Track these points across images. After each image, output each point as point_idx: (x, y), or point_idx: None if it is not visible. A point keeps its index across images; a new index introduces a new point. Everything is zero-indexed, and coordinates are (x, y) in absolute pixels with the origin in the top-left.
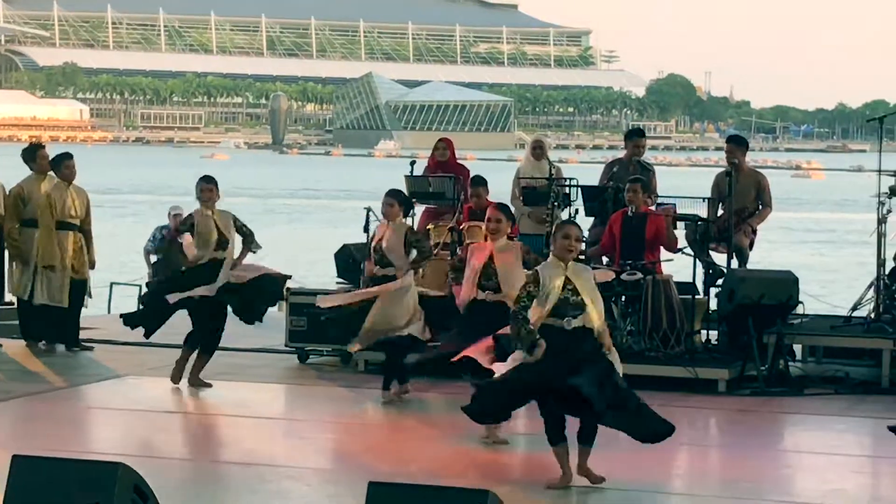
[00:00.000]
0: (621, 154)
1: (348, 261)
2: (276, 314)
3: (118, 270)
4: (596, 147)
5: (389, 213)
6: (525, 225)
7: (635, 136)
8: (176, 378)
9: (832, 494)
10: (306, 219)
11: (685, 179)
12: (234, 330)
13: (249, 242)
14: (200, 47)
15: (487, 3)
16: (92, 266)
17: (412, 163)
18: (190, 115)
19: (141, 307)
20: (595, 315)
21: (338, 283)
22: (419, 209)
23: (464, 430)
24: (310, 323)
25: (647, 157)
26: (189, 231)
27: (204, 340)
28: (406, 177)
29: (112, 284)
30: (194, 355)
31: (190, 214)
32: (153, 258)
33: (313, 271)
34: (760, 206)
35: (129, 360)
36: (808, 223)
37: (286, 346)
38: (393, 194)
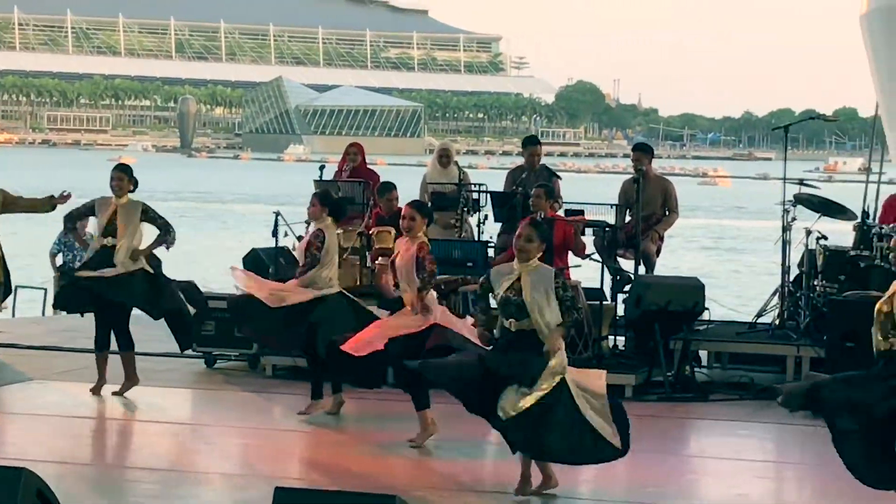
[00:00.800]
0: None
1: (257, 265)
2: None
3: (22, 273)
4: (505, 153)
5: (411, 226)
6: (433, 230)
7: (530, 144)
8: (97, 390)
9: (737, 499)
10: (214, 223)
11: (594, 186)
12: (142, 334)
13: (164, 234)
14: (108, 49)
15: (398, 8)
16: None
17: (321, 167)
18: (97, 117)
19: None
20: (538, 318)
21: None
22: None
23: (372, 436)
24: (217, 327)
25: (556, 163)
26: (86, 215)
27: (118, 340)
28: (315, 181)
29: (17, 288)
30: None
31: (91, 200)
32: (59, 260)
33: (221, 275)
34: (667, 213)
35: (35, 364)
36: (715, 230)
37: (194, 350)
38: (416, 206)
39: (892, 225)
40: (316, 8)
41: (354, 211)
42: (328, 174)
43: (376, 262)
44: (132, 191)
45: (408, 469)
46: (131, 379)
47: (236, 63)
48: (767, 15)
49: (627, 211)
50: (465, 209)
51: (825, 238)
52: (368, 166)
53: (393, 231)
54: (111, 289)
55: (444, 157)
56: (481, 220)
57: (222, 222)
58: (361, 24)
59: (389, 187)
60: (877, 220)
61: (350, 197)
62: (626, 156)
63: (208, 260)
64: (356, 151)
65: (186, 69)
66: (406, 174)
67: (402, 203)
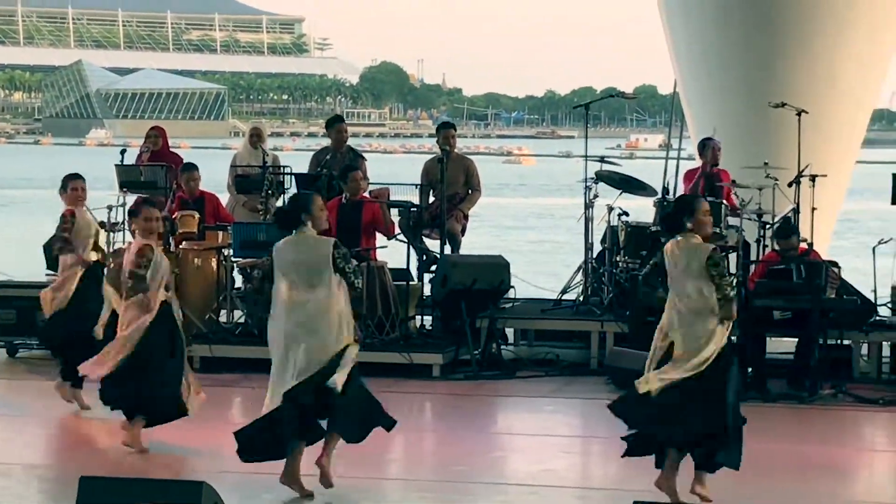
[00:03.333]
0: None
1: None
2: None
3: None
4: (311, 135)
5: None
6: (239, 213)
7: (336, 123)
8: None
9: (543, 475)
10: (13, 209)
11: (400, 166)
12: None
13: None
14: None
15: None
16: None
17: (122, 151)
18: None
19: None
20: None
21: (47, 275)
22: (131, 198)
23: (178, 424)
24: (19, 316)
25: (362, 144)
26: None
27: None
28: (116, 166)
29: None
30: None
31: None
32: None
33: (21, 263)
34: (470, 192)
35: None
36: (520, 208)
37: None
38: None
39: None
40: None
41: (157, 195)
42: (130, 158)
43: (180, 246)
44: None
45: (216, 456)
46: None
47: (35, 47)
48: None
49: (431, 191)
50: (270, 192)
51: (627, 214)
52: (171, 149)
53: (197, 215)
54: None
55: (255, 137)
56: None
57: (21, 209)
58: (162, 6)
59: (190, 167)
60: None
61: (152, 181)
62: (431, 135)
63: (7, 248)
64: (157, 135)
65: None
66: (210, 157)
67: (204, 186)
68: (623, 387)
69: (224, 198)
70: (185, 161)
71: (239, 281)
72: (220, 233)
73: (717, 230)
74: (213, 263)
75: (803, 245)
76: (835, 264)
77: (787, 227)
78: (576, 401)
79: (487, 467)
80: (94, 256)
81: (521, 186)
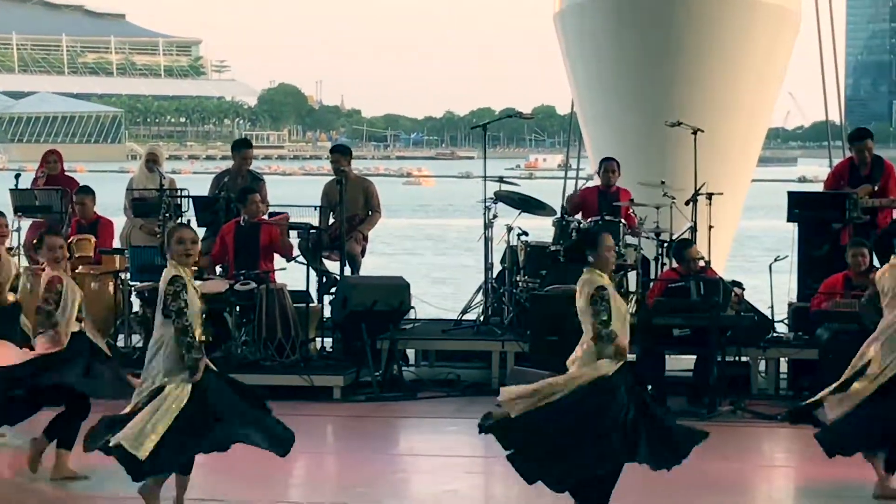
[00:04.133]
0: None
1: None
2: None
3: None
4: (209, 157)
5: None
6: (136, 237)
7: (242, 148)
8: None
9: (446, 496)
10: None
11: (299, 188)
12: None
13: None
14: None
15: (94, 12)
16: None
17: (17, 175)
18: None
19: None
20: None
21: None
22: (26, 223)
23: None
24: None
25: (261, 166)
26: None
27: None
28: (11, 190)
29: None
30: None
31: None
32: None
33: None
34: (370, 213)
35: None
36: (420, 230)
37: None
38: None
39: (589, 220)
40: (10, 13)
41: (52, 219)
42: (25, 182)
43: (76, 271)
44: None
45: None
46: None
47: None
48: (464, 14)
49: (331, 213)
50: (168, 215)
51: (526, 234)
52: (67, 173)
53: (93, 239)
54: None
55: (152, 162)
56: None
57: None
58: (57, 28)
59: (84, 191)
60: (568, 204)
61: (47, 205)
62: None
63: None
64: (55, 159)
65: None
66: (107, 180)
67: (101, 209)
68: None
69: (120, 222)
70: (80, 185)
71: (137, 305)
72: (118, 257)
73: (616, 248)
74: (111, 287)
75: (700, 263)
76: (738, 284)
77: (685, 245)
78: (478, 421)
79: (390, 489)
80: (11, 297)
81: (421, 207)
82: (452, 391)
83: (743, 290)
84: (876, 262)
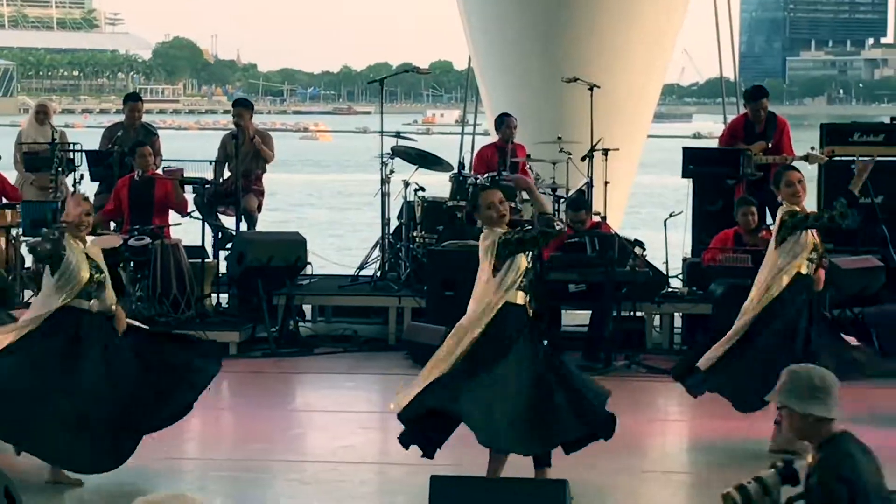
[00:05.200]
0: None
1: None
2: None
3: None
4: (103, 111)
5: None
6: (29, 192)
7: (132, 101)
8: None
9: (342, 451)
10: None
11: (195, 142)
12: None
13: None
14: None
15: None
16: None
17: None
18: None
19: None
20: (112, 292)
21: None
22: None
23: None
24: None
25: (156, 120)
26: None
27: None
28: None
29: None
30: None
31: None
32: None
33: None
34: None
35: None
36: (316, 185)
37: None
38: None
39: (486, 174)
40: None
41: None
42: None
43: None
44: None
45: None
46: None
47: None
48: None
49: (227, 167)
50: (60, 169)
51: (423, 189)
52: None
53: None
54: None
55: (41, 114)
56: (77, 181)
57: None
58: None
59: None
60: (472, 171)
61: None
62: (226, 112)
63: None
64: None
65: None
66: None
67: None
68: (421, 362)
69: (11, 175)
70: None
71: (29, 260)
72: (9, 211)
73: (513, 205)
74: (2, 243)
75: (596, 218)
76: (640, 243)
77: (578, 201)
78: (374, 376)
79: (286, 444)
80: None
81: (318, 162)
82: (349, 347)
83: (644, 250)
84: (769, 220)
